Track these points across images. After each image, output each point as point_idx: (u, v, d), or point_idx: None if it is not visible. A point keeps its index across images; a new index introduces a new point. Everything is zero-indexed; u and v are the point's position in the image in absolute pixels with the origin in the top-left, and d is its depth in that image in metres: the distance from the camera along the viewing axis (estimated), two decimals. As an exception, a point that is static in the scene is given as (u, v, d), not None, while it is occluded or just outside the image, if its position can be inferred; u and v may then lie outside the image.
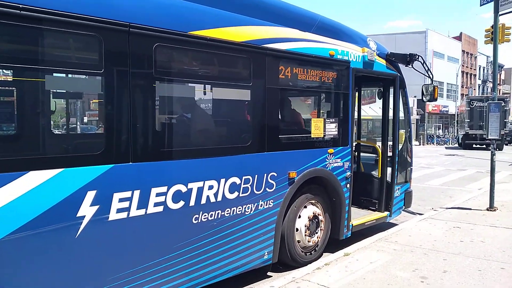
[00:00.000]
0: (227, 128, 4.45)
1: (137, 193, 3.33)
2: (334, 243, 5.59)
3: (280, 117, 4.74)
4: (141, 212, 3.37)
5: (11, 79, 3.42)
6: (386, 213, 6.37)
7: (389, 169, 6.45)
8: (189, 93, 4.12)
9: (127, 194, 3.28)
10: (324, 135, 5.11)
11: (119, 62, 3.22)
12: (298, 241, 4.97)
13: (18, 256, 2.76)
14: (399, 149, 6.60)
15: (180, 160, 3.69)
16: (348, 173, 5.45)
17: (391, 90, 6.44)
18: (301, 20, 4.98)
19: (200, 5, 3.86)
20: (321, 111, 5.84)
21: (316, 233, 5.20)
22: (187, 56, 3.94)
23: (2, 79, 3.61)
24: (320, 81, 5.14)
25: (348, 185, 5.47)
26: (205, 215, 3.86)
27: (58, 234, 2.92)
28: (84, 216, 3.03)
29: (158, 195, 3.48)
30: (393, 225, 6.91)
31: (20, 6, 2.69)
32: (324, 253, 5.43)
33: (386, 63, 6.15)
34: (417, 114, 39.02)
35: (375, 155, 6.56)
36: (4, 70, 3.75)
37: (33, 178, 2.78)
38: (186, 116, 4.19)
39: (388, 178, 6.41)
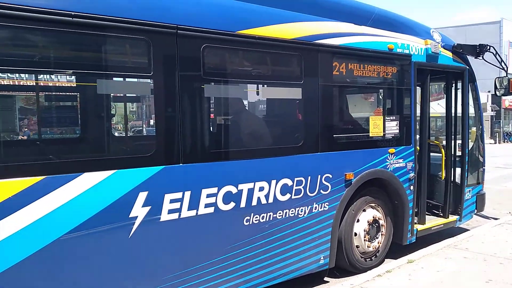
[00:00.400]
0: (278, 128, 4.34)
1: (187, 194, 3.34)
2: (397, 249, 5.25)
3: (334, 116, 4.53)
4: (192, 213, 3.37)
5: (71, 85, 3.60)
6: (455, 217, 5.88)
7: (458, 170, 5.96)
8: (238, 93, 4.07)
9: (178, 195, 3.29)
10: (384, 134, 4.82)
11: (168, 64, 3.24)
12: (357, 246, 4.72)
13: (74, 255, 2.86)
14: (470, 148, 6.07)
15: (230, 161, 3.65)
16: (412, 174, 5.09)
17: (459, 85, 5.93)
18: (356, 13, 4.74)
19: (248, 4, 3.79)
20: (380, 108, 5.53)
21: (377, 238, 4.91)
22: (236, 56, 3.89)
23: (63, 85, 3.83)
24: (378, 76, 4.85)
25: (411, 187, 5.11)
26: (257, 217, 3.78)
27: (112, 234, 3.00)
28: (137, 216, 3.08)
29: (208, 196, 3.46)
30: (464, 230, 6.36)
31: (72, 13, 2.79)
32: (386, 259, 5.12)
33: (453, 55, 5.67)
34: (492, 110, 36.17)
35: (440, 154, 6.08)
36: (66, 77, 3.97)
37: (88, 180, 2.87)
38: (235, 116, 4.16)
39: (458, 180, 5.91)
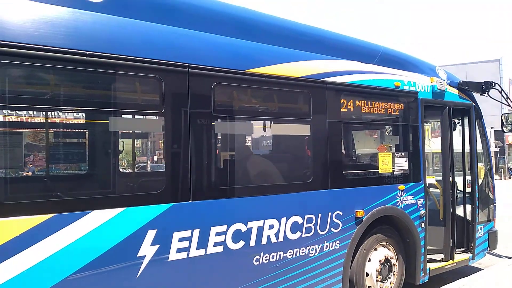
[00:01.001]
0: (287, 164, 4.31)
1: (196, 232, 3.26)
2: (410, 290, 5.07)
3: (343, 152, 4.51)
4: (201, 252, 3.29)
5: (82, 122, 3.63)
6: (468, 255, 5.71)
7: (468, 207, 5.85)
8: (248, 130, 4.08)
9: (187, 233, 3.22)
10: (393, 171, 4.77)
11: (179, 102, 3.27)
12: (369, 287, 4.56)
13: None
14: (479, 184, 5.99)
15: (239, 198, 3.60)
16: (423, 211, 5.00)
17: (466, 121, 5.94)
18: (363, 52, 4.83)
19: (257, 43, 3.88)
20: (384, 145, 5.51)
21: (389, 278, 4.75)
22: (245, 93, 3.93)
23: (73, 122, 3.85)
24: (386, 113, 4.87)
25: (423, 225, 5.00)
26: (266, 256, 3.68)
27: (119, 274, 2.91)
28: (145, 256, 3.00)
29: (217, 234, 3.38)
30: (477, 269, 6.16)
31: (87, 52, 2.84)
32: (398, 301, 4.92)
33: (459, 92, 5.72)
34: (496, 146, 36.08)
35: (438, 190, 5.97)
36: (77, 114, 4.01)
37: (96, 218, 2.82)
38: (245, 153, 4.14)
39: (468, 217, 5.80)
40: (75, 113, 3.64)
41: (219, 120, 3.62)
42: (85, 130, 4.41)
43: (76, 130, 4.50)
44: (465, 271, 6.00)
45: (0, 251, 2.47)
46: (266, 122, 4.29)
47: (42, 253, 2.60)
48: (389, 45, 5.29)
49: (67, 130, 4.49)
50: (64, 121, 4.19)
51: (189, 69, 3.30)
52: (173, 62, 3.23)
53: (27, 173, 5.98)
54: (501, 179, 34.01)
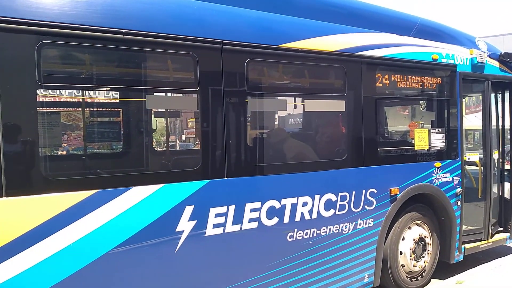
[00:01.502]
0: (321, 141, 4.26)
1: (232, 208, 3.30)
2: (444, 268, 5.00)
3: (378, 128, 4.41)
4: (237, 228, 3.33)
5: (117, 101, 3.68)
6: (505, 235, 5.56)
7: (507, 185, 5.66)
8: (282, 107, 4.04)
9: (223, 209, 3.26)
10: (429, 147, 4.65)
11: (213, 79, 3.26)
12: (402, 265, 4.53)
13: (122, 268, 2.86)
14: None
15: (273, 175, 3.60)
16: (459, 189, 4.87)
17: (507, 95, 5.68)
18: (399, 24, 4.65)
19: (290, 17, 3.79)
20: (423, 121, 5.36)
21: (423, 257, 4.69)
22: (279, 69, 3.88)
23: (108, 101, 3.92)
24: (422, 87, 4.71)
25: (459, 203, 4.88)
26: (300, 233, 3.69)
27: (159, 248, 2.99)
28: (183, 231, 3.07)
29: (252, 210, 3.41)
30: (514, 249, 6.01)
31: (123, 31, 2.85)
32: (432, 279, 4.88)
33: (500, 64, 5.45)
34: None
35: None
36: (112, 93, 4.07)
37: (137, 194, 2.88)
38: (279, 130, 4.11)
39: (507, 195, 5.62)
40: (111, 92, 3.70)
41: (252, 97, 3.59)
42: (120, 109, 4.49)
43: (112, 109, 4.59)
44: (501, 251, 5.87)
45: (48, 226, 2.57)
46: (299, 98, 4.22)
47: (86, 228, 2.70)
48: (425, 16, 5.04)
49: (103, 109, 4.58)
50: (99, 100, 4.27)
51: (223, 46, 3.27)
52: (207, 38, 3.20)
53: (61, 152, 6.15)
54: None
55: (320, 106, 4.16)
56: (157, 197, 2.95)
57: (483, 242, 5.29)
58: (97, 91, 3.86)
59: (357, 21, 4.27)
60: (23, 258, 2.50)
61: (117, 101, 3.79)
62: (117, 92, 3.48)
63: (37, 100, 2.71)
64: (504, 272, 4.81)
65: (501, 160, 5.64)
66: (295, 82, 4.11)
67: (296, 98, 4.25)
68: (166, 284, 3.05)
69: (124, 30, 2.85)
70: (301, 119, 4.50)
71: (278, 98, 4.03)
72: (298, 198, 3.68)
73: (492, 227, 5.42)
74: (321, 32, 3.91)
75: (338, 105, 4.09)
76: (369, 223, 4.13)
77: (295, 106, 4.35)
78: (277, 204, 3.55)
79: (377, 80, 4.24)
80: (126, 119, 4.03)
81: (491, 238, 5.37)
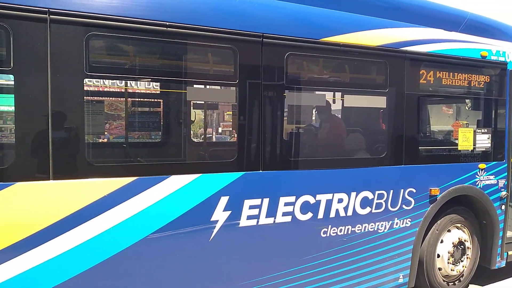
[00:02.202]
0: (360, 138, 4.19)
1: (266, 201, 3.32)
2: (484, 274, 4.81)
3: (420, 126, 4.29)
4: (270, 220, 3.35)
5: (158, 92, 3.78)
6: (553, 242, 5.26)
7: None
8: (320, 101, 4.00)
9: (257, 201, 3.29)
10: (474, 148, 4.46)
11: (252, 72, 3.28)
12: (439, 269, 4.39)
13: (158, 253, 2.96)
14: None
15: (309, 170, 3.58)
16: (504, 193, 4.65)
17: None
18: (446, 18, 4.47)
19: (332, 11, 3.73)
20: (468, 121, 5.14)
21: (462, 261, 4.52)
22: (319, 63, 3.84)
23: (149, 91, 4.03)
24: (469, 86, 4.52)
25: (503, 207, 4.67)
26: (334, 230, 3.67)
27: (194, 236, 3.07)
28: (218, 220, 3.13)
29: (286, 204, 3.42)
30: None
31: (167, 23, 2.92)
32: (470, 285, 4.70)
33: (556, 62, 5.13)
34: None
35: None
36: (153, 84, 4.17)
37: (174, 182, 2.96)
38: (316, 125, 4.08)
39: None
40: (152, 83, 3.80)
41: (291, 91, 3.58)
42: (160, 100, 4.61)
43: (153, 100, 4.71)
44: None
45: (91, 209, 2.70)
46: (339, 93, 4.16)
47: (127, 212, 2.81)
48: (475, 11, 4.81)
49: (144, 99, 4.71)
50: (141, 91, 4.39)
51: (263, 39, 3.28)
52: (247, 32, 3.22)
53: (102, 140, 6.38)
54: None
55: (360, 102, 4.09)
56: (194, 186, 3.02)
57: (528, 249, 5.04)
58: (139, 82, 3.97)
59: (401, 15, 4.13)
60: (67, 239, 2.64)
61: (158, 92, 3.90)
62: (158, 84, 3.57)
63: (84, 89, 2.84)
64: (550, 282, 4.56)
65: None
66: (335, 77, 4.06)
67: (337, 93, 4.19)
68: (199, 271, 3.13)
69: (167, 23, 2.92)
70: (340, 115, 4.44)
71: (318, 92, 3.99)
72: (333, 195, 3.65)
73: None
74: (364, 26, 3.82)
75: (379, 101, 4.00)
76: (406, 223, 4.04)
77: (333, 101, 4.29)
78: (311, 199, 3.54)
79: (421, 77, 4.11)
80: (166, 110, 4.13)
81: None
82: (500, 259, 4.76)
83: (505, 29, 4.95)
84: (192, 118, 4.35)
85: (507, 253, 4.82)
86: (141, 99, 4.92)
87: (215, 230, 3.10)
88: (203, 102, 4.51)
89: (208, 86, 3.67)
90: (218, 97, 3.61)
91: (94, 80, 3.99)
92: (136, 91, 4.71)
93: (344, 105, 4.15)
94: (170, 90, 3.28)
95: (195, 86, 3.37)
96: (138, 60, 3.16)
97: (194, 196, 3.03)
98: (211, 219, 3.09)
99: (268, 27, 3.33)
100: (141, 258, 2.89)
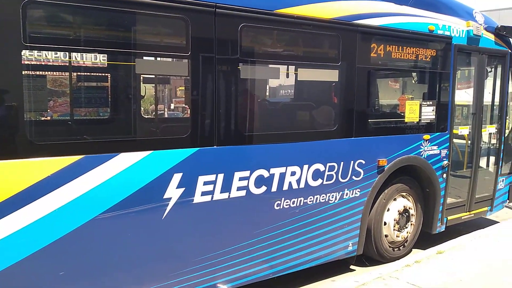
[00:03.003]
0: (312, 111, 4.23)
1: (221, 176, 3.30)
2: (426, 238, 5.15)
3: (370, 100, 4.39)
4: (225, 196, 3.35)
5: (105, 65, 3.57)
6: (486, 207, 5.71)
7: (492, 158, 5.76)
8: (274, 75, 3.96)
9: (212, 177, 3.26)
10: (419, 120, 4.66)
11: (205, 44, 3.17)
12: (386, 236, 4.64)
13: (109, 234, 2.87)
14: (505, 136, 5.84)
15: (263, 144, 3.58)
16: (445, 162, 4.94)
17: (499, 69, 5.67)
18: (397, -8, 4.52)
19: None
20: (413, 94, 5.34)
21: (406, 227, 4.80)
22: (273, 36, 3.77)
23: (95, 64, 3.79)
24: (416, 59, 4.65)
25: (444, 175, 4.97)
26: (287, 202, 3.73)
27: (146, 215, 3.00)
28: (171, 198, 3.07)
29: (241, 179, 3.42)
30: (494, 222, 6.19)
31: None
32: (414, 249, 5.03)
33: (495, 38, 5.40)
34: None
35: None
36: (100, 57, 3.92)
37: (124, 160, 2.85)
38: (269, 99, 4.06)
39: (491, 168, 5.73)
40: (99, 55, 3.56)
41: (245, 64, 3.51)
42: (107, 74, 4.35)
43: (99, 74, 4.44)
44: (481, 223, 6.04)
45: (33, 190, 2.54)
46: (292, 67, 4.14)
47: (73, 193, 2.68)
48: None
49: (90, 73, 4.43)
50: (87, 65, 4.11)
51: (216, 9, 3.16)
52: (200, 1, 3.08)
53: (45, 118, 6.00)
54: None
55: (313, 76, 4.10)
56: (144, 164, 2.93)
57: (465, 213, 5.43)
58: (84, 54, 3.71)
59: (354, -13, 4.13)
60: (7, 223, 2.49)
61: (105, 65, 3.66)
62: (106, 56, 3.35)
63: (22, 62, 2.61)
64: (482, 243, 4.97)
65: (488, 134, 5.71)
66: (289, 50, 4.01)
67: (291, 66, 4.16)
68: (153, 250, 3.08)
69: None
70: (293, 89, 4.43)
71: (272, 66, 3.94)
72: (287, 168, 3.69)
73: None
74: (318, -2, 3.78)
75: (331, 75, 4.03)
76: (355, 193, 4.19)
77: (287, 75, 4.27)
78: (265, 173, 3.56)
79: (371, 50, 4.17)
80: (114, 84, 3.91)
81: (473, 210, 5.51)
82: (440, 224, 5.10)
83: (451, 5, 5.10)
84: (142, 93, 4.16)
85: (447, 218, 5.18)
86: (87, 73, 4.62)
87: (168, 208, 3.05)
88: (153, 76, 4.33)
89: (158, 59, 3.51)
90: (169, 70, 3.45)
91: (35, 52, 3.68)
92: (82, 65, 4.42)
93: (298, 79, 4.13)
94: (118, 63, 3.09)
95: (144, 58, 3.20)
96: (83, 30, 2.93)
97: (145, 174, 2.94)
98: (164, 197, 3.03)
99: None
100: (90, 240, 2.80)
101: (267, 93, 4.24)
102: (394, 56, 4.40)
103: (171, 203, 3.07)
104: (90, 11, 2.79)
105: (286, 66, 4.07)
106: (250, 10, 3.34)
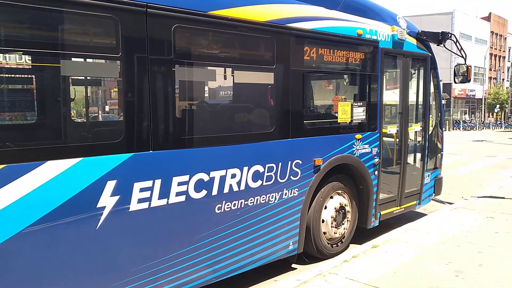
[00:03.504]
0: (249, 113, 4.25)
1: (158, 182, 3.20)
2: (361, 233, 5.39)
3: (305, 101, 4.51)
4: (163, 202, 3.25)
5: (30, 66, 3.31)
6: (415, 201, 6.10)
7: (418, 155, 6.17)
8: (210, 77, 3.93)
9: (148, 183, 3.15)
10: (351, 120, 4.87)
11: (137, 45, 3.06)
12: (324, 233, 4.78)
13: (38, 248, 2.66)
14: (429, 133, 6.29)
15: (202, 148, 3.53)
16: (377, 160, 5.20)
17: (422, 72, 6.10)
18: (327, -4, 4.70)
19: None
20: (346, 95, 5.57)
21: (343, 224, 4.99)
22: (208, 38, 3.74)
23: (19, 66, 3.50)
24: (346, 62, 4.87)
25: (376, 172, 5.23)
26: (228, 205, 3.71)
27: (78, 226, 2.82)
28: (105, 206, 2.92)
29: (180, 184, 3.34)
30: (423, 214, 6.63)
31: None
32: (351, 245, 5.23)
33: (417, 42, 5.81)
34: (443, 99, 38.01)
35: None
36: (21, 56, 3.62)
37: (51, 168, 2.67)
38: (207, 102, 4.02)
39: (418, 164, 6.13)
40: (23, 56, 3.29)
41: (180, 66, 3.44)
42: (32, 76, 4.04)
43: (23, 76, 4.12)
44: (411, 216, 6.45)
45: None
46: (229, 69, 4.13)
47: (-7, 206, 2.45)
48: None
49: (13, 75, 4.09)
50: (10, 65, 3.78)
51: (147, 9, 3.07)
52: (130, 1, 2.97)
53: None
54: (445, 130, 36.18)
55: (249, 78, 4.12)
56: (74, 172, 2.76)
57: (396, 208, 5.76)
58: (8, 55, 3.41)
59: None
60: None
61: (30, 66, 3.39)
62: (30, 57, 3.11)
63: None
64: (413, 236, 5.30)
65: (414, 132, 6.10)
66: (225, 52, 4.00)
67: (226, 68, 4.16)
68: (88, 262, 2.91)
69: None
70: (231, 91, 4.42)
71: (207, 68, 3.91)
72: (227, 171, 3.67)
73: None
74: (251, 1, 3.81)
75: (267, 78, 4.09)
76: (294, 192, 4.27)
77: (225, 77, 4.26)
78: (205, 177, 3.52)
79: (305, 53, 4.29)
80: (40, 87, 3.64)
81: (403, 204, 5.85)
82: (374, 219, 5.36)
83: (377, 10, 5.40)
84: (72, 96, 3.92)
85: (380, 213, 5.46)
86: (11, 75, 4.26)
87: (103, 217, 2.90)
88: (84, 78, 4.10)
89: (88, 60, 3.33)
90: (99, 71, 3.28)
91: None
92: (5, 65, 4.06)
93: (235, 81, 4.13)
94: (44, 64, 2.87)
95: (72, 59, 3.02)
96: (5, 29, 2.69)
97: (75, 183, 2.76)
98: (97, 206, 2.87)
99: None
100: (17, 256, 2.58)
101: (206, 95, 4.18)
102: (326, 59, 4.57)
103: (105, 212, 2.91)
104: (14, 8, 2.58)
105: (222, 68, 4.05)
106: (183, 11, 3.28)
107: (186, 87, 3.75)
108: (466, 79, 6.28)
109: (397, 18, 5.59)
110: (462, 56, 6.06)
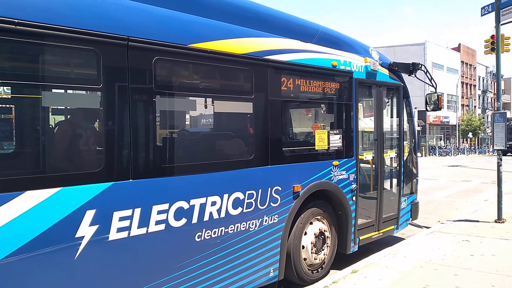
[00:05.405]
0: (229, 142, 4.34)
1: (138, 211, 3.21)
2: (341, 258, 5.43)
3: (283, 130, 4.64)
4: (143, 231, 3.25)
5: (9, 96, 3.34)
6: (393, 226, 6.21)
7: (394, 181, 6.33)
8: (190, 107, 4.03)
9: (128, 212, 3.16)
10: (328, 147, 5.00)
11: (118, 76, 3.14)
12: (305, 259, 4.82)
13: (15, 279, 2.62)
14: (404, 160, 6.48)
15: (182, 176, 3.58)
16: (354, 186, 5.32)
17: (395, 100, 6.35)
18: (303, 30, 4.93)
19: (200, 18, 3.81)
20: (324, 123, 5.74)
21: (323, 250, 5.04)
22: (188, 69, 3.86)
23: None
24: (322, 92, 5.06)
25: (354, 198, 5.34)
26: (208, 233, 3.73)
27: (56, 256, 2.79)
28: (83, 236, 2.91)
29: (159, 212, 3.36)
30: (400, 239, 6.74)
31: (16, 21, 2.61)
32: (331, 270, 5.26)
33: (389, 73, 6.09)
34: (418, 126, 39.09)
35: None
36: (3, 88, 3.65)
37: (30, 199, 2.66)
38: (187, 130, 4.09)
39: (394, 190, 6.29)
40: (2, 87, 3.31)
41: (160, 96, 3.53)
42: (12, 106, 4.05)
43: (4, 105, 4.12)
44: (390, 240, 6.54)
45: None
46: (208, 99, 4.24)
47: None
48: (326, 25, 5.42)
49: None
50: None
51: (129, 42, 3.17)
52: (111, 34, 3.07)
53: None
54: (421, 156, 37.03)
55: (229, 108, 4.24)
56: (53, 202, 2.76)
57: (375, 233, 5.85)
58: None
59: (264, 25, 4.43)
60: None
61: (9, 97, 3.41)
62: (11, 88, 3.15)
63: None
64: (392, 260, 5.38)
65: (390, 159, 6.29)
66: (204, 83, 4.13)
67: (206, 98, 4.26)
68: None
69: (16, 20, 2.61)
70: (212, 119, 4.52)
71: (188, 98, 4.01)
72: (207, 198, 3.71)
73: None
74: (230, 34, 3.98)
75: (246, 107, 4.21)
76: (274, 219, 4.32)
77: (205, 107, 4.35)
78: (185, 205, 3.54)
79: (282, 84, 4.45)
80: (19, 116, 3.66)
81: (381, 229, 5.95)
82: (353, 244, 5.43)
83: (351, 42, 5.67)
84: (52, 126, 3.93)
85: (359, 238, 5.54)
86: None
87: (81, 247, 2.88)
88: (64, 108, 4.12)
89: (70, 91, 3.38)
90: (80, 102, 3.33)
91: None
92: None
93: (215, 110, 4.24)
94: (25, 96, 2.92)
95: (53, 90, 3.07)
96: None
97: (53, 213, 2.76)
98: (76, 236, 2.86)
99: (134, 30, 3.24)
100: None
101: (187, 123, 4.26)
102: (302, 89, 4.74)
103: (84, 242, 2.90)
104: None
105: (203, 98, 4.16)
106: (164, 44, 3.40)
107: (167, 116, 3.82)
108: (437, 107, 6.57)
109: (370, 49, 5.86)
110: (433, 86, 6.36)
